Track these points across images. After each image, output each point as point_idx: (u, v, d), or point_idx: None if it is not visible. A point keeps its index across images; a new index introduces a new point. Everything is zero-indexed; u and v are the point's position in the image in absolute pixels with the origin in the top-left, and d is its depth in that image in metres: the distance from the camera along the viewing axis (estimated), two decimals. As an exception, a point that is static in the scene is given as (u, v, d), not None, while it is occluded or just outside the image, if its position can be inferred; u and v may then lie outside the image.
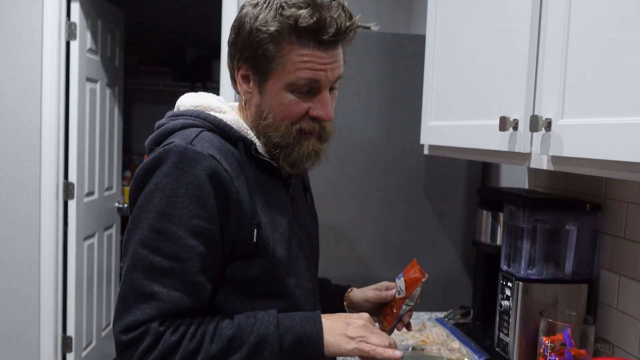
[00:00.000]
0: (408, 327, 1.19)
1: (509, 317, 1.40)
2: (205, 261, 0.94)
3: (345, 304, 1.22)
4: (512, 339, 1.39)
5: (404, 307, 1.12)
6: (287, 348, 0.93)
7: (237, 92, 1.08)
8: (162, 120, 1.05)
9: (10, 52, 2.81)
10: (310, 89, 1.00)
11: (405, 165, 1.99)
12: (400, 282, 1.13)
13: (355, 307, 1.20)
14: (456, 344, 1.48)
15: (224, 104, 1.09)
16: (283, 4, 0.96)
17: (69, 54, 2.94)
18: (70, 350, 2.99)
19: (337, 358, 1.24)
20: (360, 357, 0.98)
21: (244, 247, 0.98)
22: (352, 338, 0.95)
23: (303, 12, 0.95)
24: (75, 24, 2.93)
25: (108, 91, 3.48)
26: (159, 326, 0.90)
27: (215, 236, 0.95)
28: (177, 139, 0.96)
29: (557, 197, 1.52)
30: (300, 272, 1.07)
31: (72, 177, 2.98)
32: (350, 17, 0.99)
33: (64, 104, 2.93)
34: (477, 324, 1.67)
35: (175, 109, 1.08)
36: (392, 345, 0.97)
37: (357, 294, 1.21)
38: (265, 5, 0.98)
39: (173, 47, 4.32)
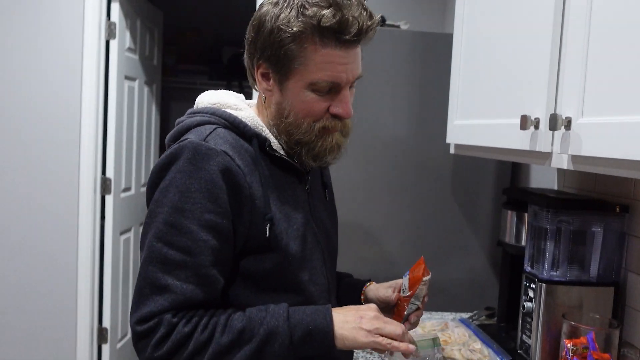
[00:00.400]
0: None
1: (532, 319, 1.38)
2: (217, 255, 0.96)
3: (362, 297, 1.22)
4: (535, 341, 1.37)
5: (410, 306, 1.11)
6: (297, 341, 0.94)
7: (255, 89, 1.10)
8: (182, 117, 1.08)
9: (52, 51, 2.91)
10: (331, 89, 1.02)
11: (434, 165, 1.97)
12: (406, 280, 1.13)
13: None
14: (478, 344, 1.46)
15: (242, 101, 1.11)
16: (305, 3, 0.97)
17: (108, 52, 3.02)
18: (106, 342, 3.08)
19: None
20: (373, 349, 0.99)
21: (257, 242, 0.99)
22: (369, 331, 0.96)
23: (325, 12, 0.95)
24: (114, 24, 3.01)
25: (146, 89, 3.56)
26: (172, 317, 0.93)
27: (228, 230, 0.96)
28: (192, 136, 0.98)
29: (582, 198, 1.48)
30: (315, 268, 1.08)
31: (110, 173, 3.06)
32: (371, 16, 1.00)
33: (102, 102, 3.01)
34: (502, 326, 1.64)
35: (195, 106, 1.11)
36: (405, 332, 0.99)
37: (372, 290, 1.22)
38: (285, 5, 0.98)
39: (210, 46, 4.40)
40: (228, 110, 1.05)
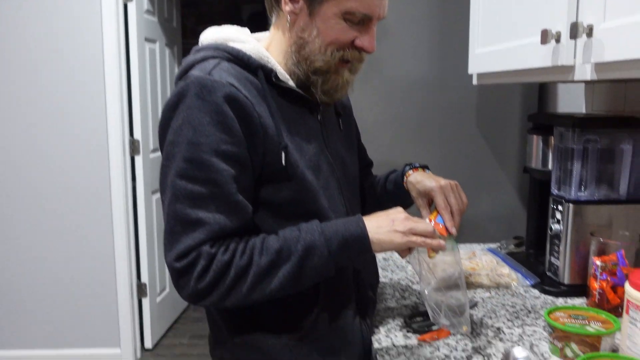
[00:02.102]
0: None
1: (560, 241, 1.37)
2: (239, 183, 0.97)
3: (405, 184, 1.23)
4: (563, 262, 1.36)
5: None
6: (335, 251, 0.96)
7: (270, 13, 1.09)
8: (187, 56, 1.08)
9: (72, 16, 2.94)
10: (361, 21, 1.02)
11: (458, 100, 1.95)
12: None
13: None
14: (506, 269, 1.46)
15: (246, 35, 1.09)
16: None
17: (127, 15, 3.03)
18: (145, 296, 3.18)
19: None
20: (405, 249, 1.02)
21: (274, 171, 1.00)
22: (403, 232, 0.98)
23: None
24: (131, -15, 3.01)
25: (167, 51, 3.57)
26: (210, 248, 0.94)
27: (245, 159, 0.97)
28: (196, 72, 0.98)
29: (610, 115, 1.45)
30: (333, 196, 1.09)
31: (137, 134, 3.11)
32: None
33: (125, 64, 3.04)
34: (531, 252, 1.64)
35: (199, 44, 1.10)
36: (434, 230, 1.02)
37: (409, 187, 1.22)
38: None
39: (229, 5, 4.37)
40: (231, 44, 1.05)
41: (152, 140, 3.27)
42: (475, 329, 1.20)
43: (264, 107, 1.00)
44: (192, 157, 0.94)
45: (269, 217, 1.04)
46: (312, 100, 1.09)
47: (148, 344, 3.28)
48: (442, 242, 1.01)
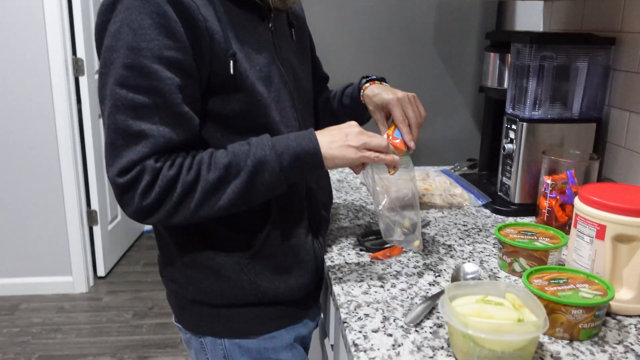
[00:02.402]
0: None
1: (512, 161, 1.37)
2: (185, 93, 0.91)
3: (362, 98, 1.20)
4: (515, 181, 1.37)
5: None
6: (287, 166, 0.93)
7: None
8: None
9: None
10: None
11: (416, 18, 1.88)
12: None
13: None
14: (458, 190, 1.47)
15: None
16: None
17: None
18: (97, 223, 3.11)
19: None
20: (358, 165, 0.99)
21: (221, 80, 0.94)
22: (356, 147, 0.95)
23: None
24: None
25: (110, -36, 3.33)
26: (154, 163, 0.89)
27: (190, 66, 0.91)
28: None
29: (567, 32, 1.43)
30: (284, 109, 1.04)
31: (81, 53, 2.94)
32: None
33: (63, -23, 2.82)
34: (484, 174, 1.65)
35: None
36: (388, 145, 0.99)
37: (366, 100, 1.17)
38: None
39: None
40: None
41: (98, 59, 3.10)
42: (427, 246, 1.20)
43: (210, 10, 0.92)
44: (132, 64, 0.87)
45: (217, 131, 0.98)
46: (264, 6, 1.01)
47: (101, 271, 3.25)
48: (396, 157, 0.98)
